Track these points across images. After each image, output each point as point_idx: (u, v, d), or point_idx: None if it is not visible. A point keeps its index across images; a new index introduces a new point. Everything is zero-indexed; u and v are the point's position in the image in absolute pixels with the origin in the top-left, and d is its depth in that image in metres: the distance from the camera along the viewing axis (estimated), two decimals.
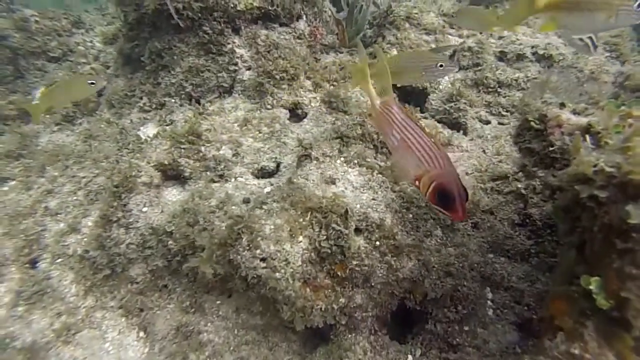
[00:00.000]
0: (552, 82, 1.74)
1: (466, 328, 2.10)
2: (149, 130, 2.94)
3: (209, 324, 2.30)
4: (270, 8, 3.28)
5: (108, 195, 2.50)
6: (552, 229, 2.41)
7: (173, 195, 2.59)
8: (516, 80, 3.32)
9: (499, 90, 3.33)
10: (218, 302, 2.36)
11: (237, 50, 3.27)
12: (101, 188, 2.90)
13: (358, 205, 1.99)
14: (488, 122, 3.20)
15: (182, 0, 3.01)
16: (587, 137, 1.42)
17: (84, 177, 3.02)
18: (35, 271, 2.65)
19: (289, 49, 3.27)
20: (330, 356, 2.05)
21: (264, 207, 2.01)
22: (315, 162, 2.22)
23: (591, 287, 1.20)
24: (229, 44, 3.24)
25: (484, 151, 2.93)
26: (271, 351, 2.19)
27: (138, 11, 3.22)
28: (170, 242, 2.30)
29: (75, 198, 2.94)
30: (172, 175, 2.67)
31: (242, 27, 3.30)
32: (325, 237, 1.85)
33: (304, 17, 3.53)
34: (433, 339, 2.04)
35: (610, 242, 1.18)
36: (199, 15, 3.09)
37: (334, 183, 2.15)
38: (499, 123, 3.18)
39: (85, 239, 2.63)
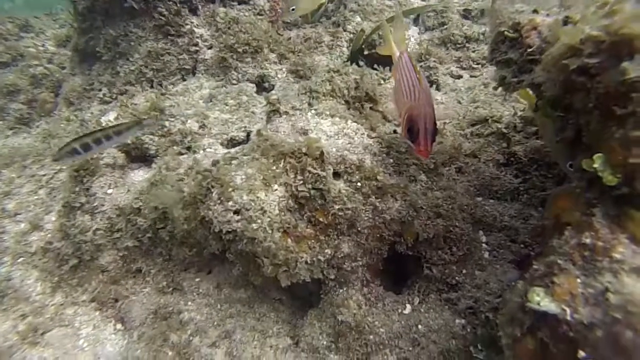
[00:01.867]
0: None
1: (464, 271, 1.98)
2: (110, 116, 2.77)
3: (189, 303, 2.13)
4: None
5: (69, 181, 2.32)
6: (538, 164, 2.32)
7: (140, 176, 2.42)
8: (483, 34, 3.27)
9: (467, 45, 3.28)
10: (197, 279, 2.20)
11: (196, 30, 3.14)
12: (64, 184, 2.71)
13: (334, 149, 1.86)
14: (460, 77, 3.13)
15: None
16: None
17: (44, 175, 2.82)
18: None
19: (250, 23, 3.15)
20: (322, 316, 1.90)
21: (233, 162, 1.87)
22: (285, 115, 2.09)
23: (595, 165, 1.10)
24: (187, 24, 3.12)
25: (459, 102, 2.85)
26: (259, 321, 2.03)
27: None
28: (139, 219, 2.14)
29: (36, 197, 2.74)
30: (137, 156, 2.50)
31: (199, 6, 3.18)
32: (301, 181, 1.71)
33: None
34: (430, 283, 1.91)
35: (608, 113, 1.08)
36: None
37: (306, 134, 2.02)
38: (471, 76, 3.12)
39: (50, 234, 2.43)
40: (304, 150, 1.75)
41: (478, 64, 3.15)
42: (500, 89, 1.69)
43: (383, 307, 1.88)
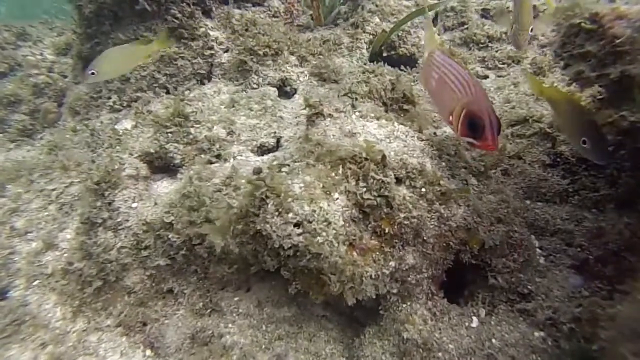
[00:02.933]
0: None
1: (525, 276, 1.86)
2: (125, 125, 2.58)
3: (230, 325, 1.95)
4: None
5: (89, 195, 2.13)
6: (587, 164, 2.23)
7: (164, 187, 2.24)
8: (505, 33, 3.20)
9: (490, 45, 3.20)
10: (236, 298, 2.02)
11: (211, 33, 2.98)
12: (76, 198, 2.51)
13: (392, 153, 1.73)
14: (486, 77, 3.05)
15: None
16: None
17: (54, 190, 2.60)
18: (6, 302, 2.21)
19: (268, 24, 3.01)
20: (384, 334, 1.75)
21: (284, 169, 1.72)
22: (329, 118, 1.95)
23: None
24: (201, 27, 2.96)
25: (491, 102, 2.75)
26: (311, 342, 1.87)
27: (95, 2, 2.89)
28: (171, 235, 1.95)
29: (46, 213, 2.52)
30: (160, 166, 2.32)
31: (213, 8, 3.03)
32: (365, 188, 1.57)
33: None
34: (497, 294, 1.78)
35: None
36: None
37: (354, 137, 1.88)
38: (498, 76, 3.03)
39: (66, 253, 2.23)
40: (364, 154, 1.61)
41: (504, 63, 3.08)
42: (572, 84, 1.59)
43: (449, 321, 1.74)
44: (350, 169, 1.60)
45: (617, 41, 1.38)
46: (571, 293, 1.86)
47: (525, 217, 2.08)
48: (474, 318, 1.75)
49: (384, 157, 1.60)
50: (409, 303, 1.71)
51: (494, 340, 1.65)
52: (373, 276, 1.59)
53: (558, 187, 2.23)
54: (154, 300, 2.11)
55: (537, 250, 2.08)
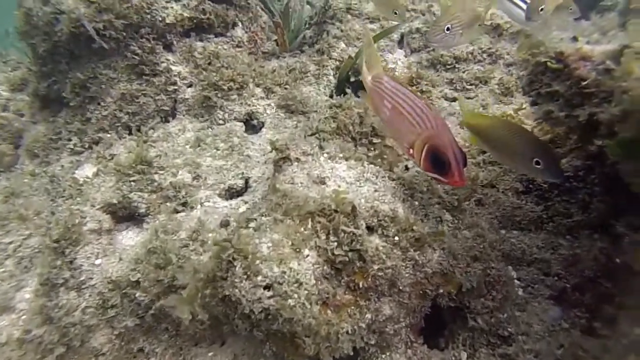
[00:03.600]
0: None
1: (505, 315, 1.83)
2: (87, 170, 2.47)
3: None
4: (202, 17, 2.95)
5: (48, 254, 2.01)
6: (559, 189, 2.23)
7: (130, 238, 2.14)
8: (471, 53, 3.21)
9: (457, 66, 3.21)
10: (211, 353, 1.93)
11: (173, 67, 2.89)
12: (37, 251, 2.37)
13: (362, 200, 1.68)
14: (455, 100, 3.04)
15: (101, 19, 2.61)
16: None
17: (10, 243, 2.46)
18: None
19: (231, 57, 2.95)
20: None
21: (251, 224, 1.65)
22: (296, 163, 1.89)
23: None
24: (163, 62, 2.86)
25: (461, 127, 2.74)
26: None
27: (49, 40, 2.76)
28: (138, 294, 1.86)
29: (2, 270, 2.38)
30: (125, 215, 2.22)
31: (175, 42, 2.93)
32: (336, 243, 1.51)
33: (240, 24, 3.23)
34: (477, 335, 1.75)
35: None
36: (124, 34, 2.70)
37: (324, 183, 1.82)
38: (467, 98, 3.03)
39: (24, 317, 2.10)
40: (333, 206, 1.56)
41: (471, 84, 3.08)
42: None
43: None
44: (319, 222, 1.55)
45: (583, 83, 1.37)
46: (551, 327, 1.85)
47: (501, 249, 2.06)
48: None
49: (353, 208, 1.55)
50: (388, 353, 1.66)
51: None
52: (349, 331, 1.53)
53: (532, 215, 2.22)
54: None
55: (516, 281, 2.06)
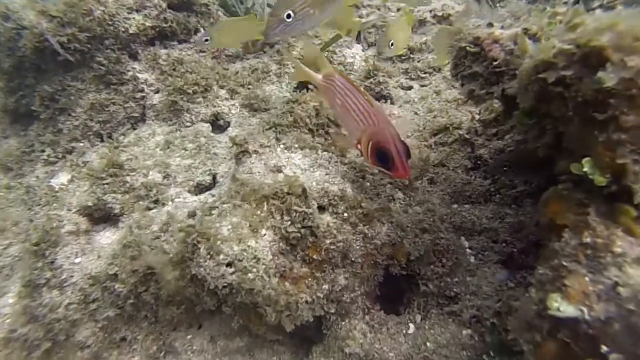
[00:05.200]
0: (472, 10, 1.75)
1: (456, 280, 2.01)
2: (62, 178, 2.59)
3: None
4: (164, 25, 3.09)
5: (28, 257, 2.13)
6: (504, 163, 2.42)
7: (107, 237, 2.28)
8: (425, 43, 3.40)
9: (411, 56, 3.39)
10: (189, 336, 2.08)
11: (139, 75, 3.03)
12: (17, 259, 2.49)
13: (314, 183, 1.84)
14: (410, 88, 3.23)
15: (64, 33, 2.73)
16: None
17: None
18: None
19: (195, 62, 3.09)
20: (329, 352, 1.85)
21: (214, 212, 1.80)
22: (255, 155, 2.05)
23: (585, 169, 1.15)
24: (129, 71, 3.00)
25: (415, 113, 2.93)
26: None
27: (14, 56, 2.87)
28: (117, 285, 1.99)
29: None
30: (101, 216, 2.35)
31: (139, 51, 3.07)
32: (289, 221, 1.67)
33: (202, 30, 3.37)
34: (429, 299, 1.92)
35: (588, 119, 1.14)
36: (88, 46, 2.82)
37: (280, 171, 1.98)
38: (421, 85, 3.22)
39: (8, 320, 2.21)
40: (285, 189, 1.72)
41: (425, 73, 3.27)
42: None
43: (387, 331, 1.87)
44: (274, 204, 1.71)
45: (495, 63, 1.55)
46: (498, 287, 2.03)
47: (452, 221, 2.24)
48: (411, 325, 1.88)
49: (304, 190, 1.71)
50: (347, 320, 1.82)
51: (428, 344, 1.78)
52: (308, 301, 1.69)
53: (481, 189, 2.40)
54: (108, 350, 2.13)
55: (468, 250, 2.24)
